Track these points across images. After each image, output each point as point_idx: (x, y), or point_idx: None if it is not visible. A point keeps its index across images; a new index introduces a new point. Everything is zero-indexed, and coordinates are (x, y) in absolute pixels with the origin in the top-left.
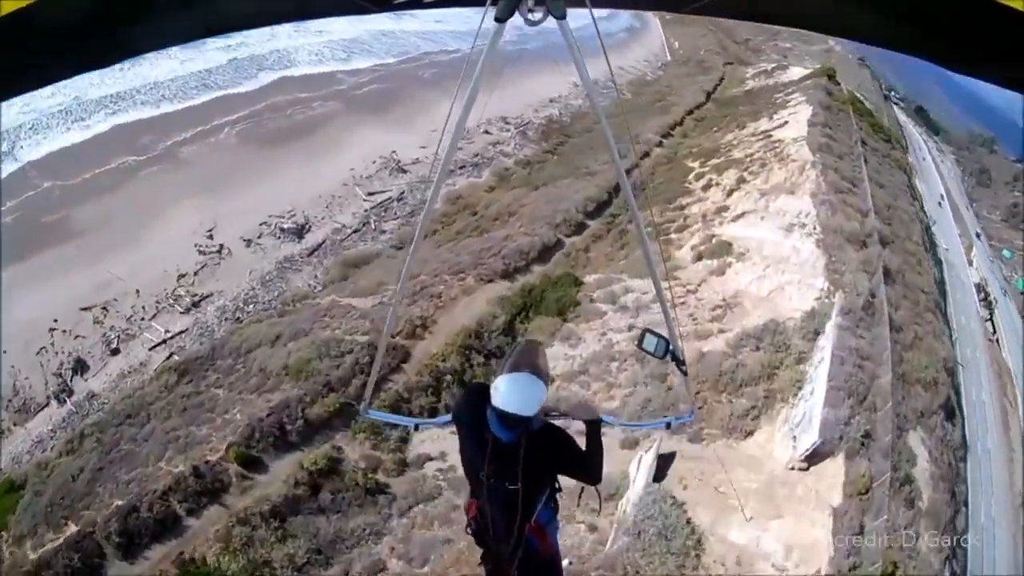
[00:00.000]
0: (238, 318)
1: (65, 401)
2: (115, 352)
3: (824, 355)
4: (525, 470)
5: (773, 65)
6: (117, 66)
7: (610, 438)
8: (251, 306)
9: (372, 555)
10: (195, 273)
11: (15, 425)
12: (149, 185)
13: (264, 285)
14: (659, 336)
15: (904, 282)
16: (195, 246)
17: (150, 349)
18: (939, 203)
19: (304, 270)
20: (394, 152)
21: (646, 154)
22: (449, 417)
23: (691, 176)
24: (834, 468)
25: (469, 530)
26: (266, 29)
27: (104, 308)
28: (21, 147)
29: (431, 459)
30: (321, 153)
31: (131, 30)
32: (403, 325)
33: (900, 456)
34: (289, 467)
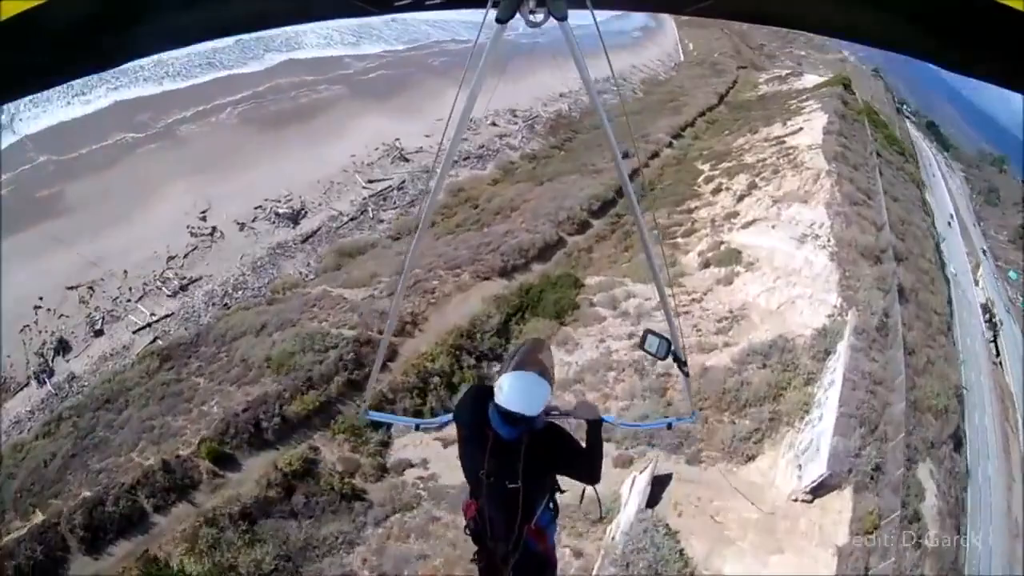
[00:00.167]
0: (226, 304)
1: (45, 382)
2: (99, 334)
3: (835, 378)
4: (526, 469)
5: (787, 71)
6: None
7: (604, 459)
8: (240, 292)
9: (343, 566)
10: (185, 256)
11: None
12: (145, 163)
13: (255, 271)
14: (661, 337)
15: (917, 301)
16: (187, 227)
17: (134, 332)
18: (948, 223)
19: (297, 257)
20: (397, 140)
21: (655, 154)
22: (450, 417)
23: (700, 179)
24: (840, 502)
25: (467, 531)
26: None
27: (91, 288)
28: (20, 120)
29: (412, 466)
30: (323, 137)
31: (134, 32)
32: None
33: (909, 490)
34: (263, 466)
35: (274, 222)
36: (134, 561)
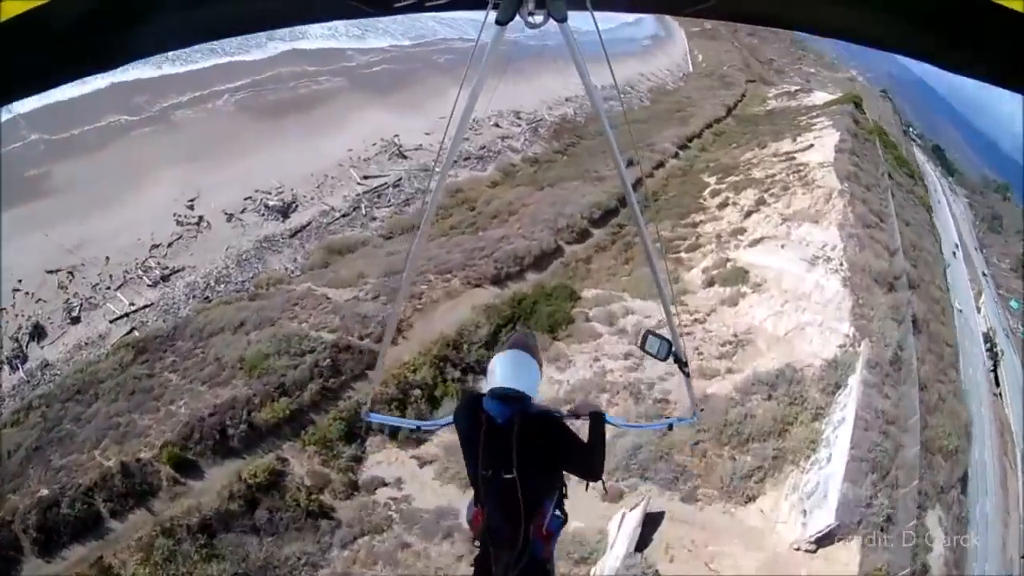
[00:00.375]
0: (207, 297)
1: (18, 368)
2: (75, 321)
3: (846, 416)
4: (520, 453)
5: (796, 87)
6: None
7: (592, 491)
8: (222, 286)
9: None
10: (169, 245)
11: None
12: (137, 147)
13: (239, 264)
14: (661, 338)
15: (929, 333)
16: (174, 215)
17: (111, 321)
18: (953, 252)
19: (284, 252)
20: (397, 136)
21: (660, 164)
22: (451, 419)
23: (706, 192)
24: (847, 555)
25: (476, 543)
26: None
27: (70, 273)
28: None
29: (385, 485)
30: (320, 130)
31: (132, 34)
32: (374, 326)
33: (918, 542)
34: (226, 476)
35: (263, 214)
36: (87, 567)
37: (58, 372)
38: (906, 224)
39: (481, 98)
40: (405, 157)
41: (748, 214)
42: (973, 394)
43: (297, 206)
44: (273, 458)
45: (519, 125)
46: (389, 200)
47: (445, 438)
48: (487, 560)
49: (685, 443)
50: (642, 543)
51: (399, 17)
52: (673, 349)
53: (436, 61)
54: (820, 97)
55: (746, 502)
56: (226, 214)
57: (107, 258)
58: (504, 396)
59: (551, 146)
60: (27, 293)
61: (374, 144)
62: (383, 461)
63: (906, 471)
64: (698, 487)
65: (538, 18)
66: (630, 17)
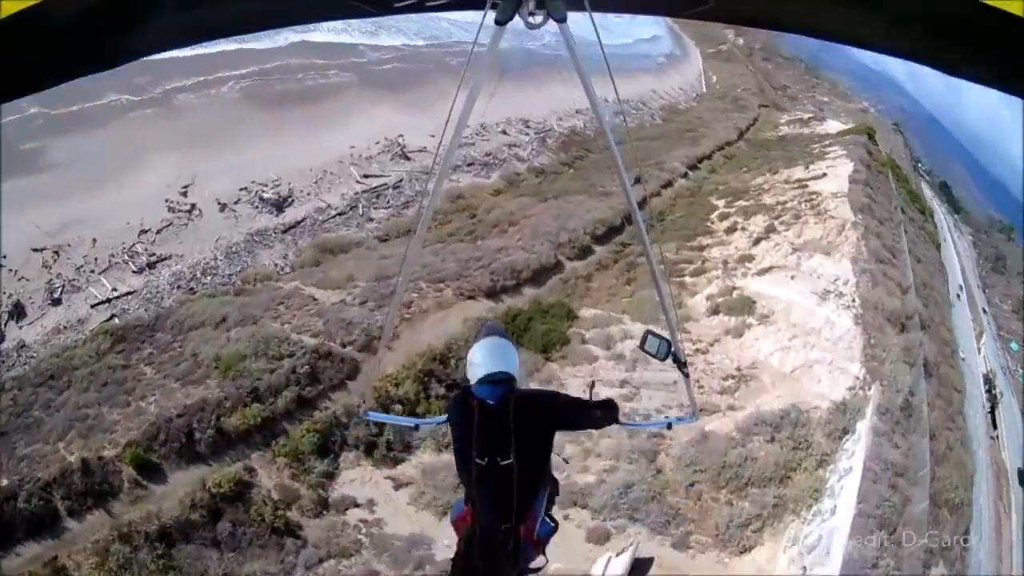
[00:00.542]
0: (191, 288)
1: None
2: (56, 303)
3: (853, 465)
4: (518, 432)
5: (809, 115)
6: None
7: (576, 530)
8: (209, 277)
9: None
10: (158, 231)
11: None
12: (136, 127)
13: (228, 256)
14: (661, 338)
15: (939, 376)
16: (166, 201)
17: (92, 306)
18: (957, 295)
19: (275, 247)
20: (401, 136)
21: (669, 183)
22: (447, 417)
23: (714, 215)
24: None
25: (461, 545)
26: None
27: (56, 252)
28: None
29: (357, 505)
30: (324, 124)
31: (133, 33)
32: (358, 333)
33: None
34: (190, 483)
35: (257, 206)
36: (40, 566)
37: (34, 354)
38: (917, 261)
39: (481, 100)
40: (408, 158)
41: (757, 241)
42: (973, 438)
43: (293, 201)
44: (240, 467)
45: (527, 134)
46: (388, 201)
47: (424, 460)
48: (469, 561)
49: (680, 483)
50: None
51: (413, 17)
52: (672, 349)
53: (448, 63)
54: (833, 126)
55: (742, 552)
56: (219, 204)
57: (94, 240)
58: (493, 380)
59: (558, 157)
60: (11, 270)
61: (377, 143)
62: (356, 480)
63: (913, 527)
64: (691, 533)
65: (537, 18)
66: (646, 34)
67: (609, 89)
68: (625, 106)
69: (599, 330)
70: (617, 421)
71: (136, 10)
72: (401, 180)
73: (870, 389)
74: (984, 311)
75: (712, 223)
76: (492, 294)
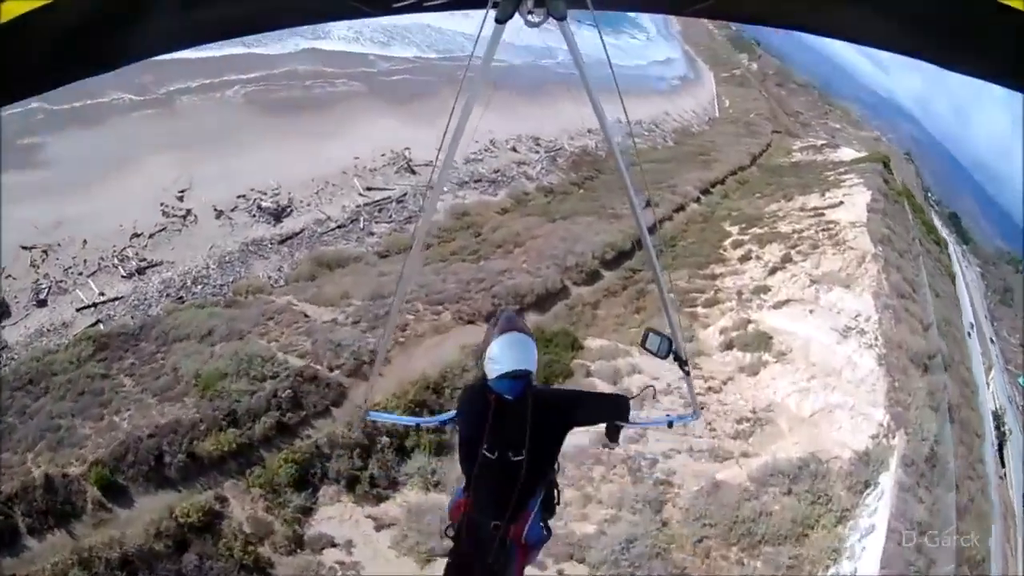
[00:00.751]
0: (180, 297)
1: None
2: (42, 304)
3: (876, 523)
4: (534, 426)
5: (823, 142)
6: None
7: None
8: (199, 287)
9: None
10: (151, 235)
11: None
12: (136, 128)
13: (221, 266)
14: (662, 335)
15: (960, 420)
16: (161, 205)
17: (78, 310)
18: (968, 333)
19: (271, 258)
20: (407, 149)
21: (681, 207)
22: (453, 414)
23: (727, 242)
24: None
25: (449, 532)
26: None
27: (45, 251)
28: None
29: (334, 545)
30: (329, 133)
31: (132, 35)
32: (347, 356)
33: None
34: (157, 509)
35: (255, 215)
36: None
37: (15, 356)
38: (936, 295)
39: (480, 98)
40: (414, 172)
41: (773, 271)
42: (991, 483)
43: (292, 211)
44: (211, 496)
45: (537, 152)
46: (390, 216)
47: (410, 499)
48: (460, 550)
49: (688, 539)
50: None
51: (428, 28)
52: (673, 347)
53: (459, 76)
54: (847, 153)
55: None
56: (216, 210)
57: (84, 241)
58: (513, 376)
59: (568, 177)
60: None
61: (383, 155)
62: (335, 517)
63: None
64: None
65: (537, 17)
66: (661, 56)
67: (616, 96)
68: (638, 127)
69: (605, 362)
70: (627, 420)
71: (136, 12)
72: (405, 194)
73: (894, 437)
74: (992, 341)
75: (725, 250)
76: (490, 318)
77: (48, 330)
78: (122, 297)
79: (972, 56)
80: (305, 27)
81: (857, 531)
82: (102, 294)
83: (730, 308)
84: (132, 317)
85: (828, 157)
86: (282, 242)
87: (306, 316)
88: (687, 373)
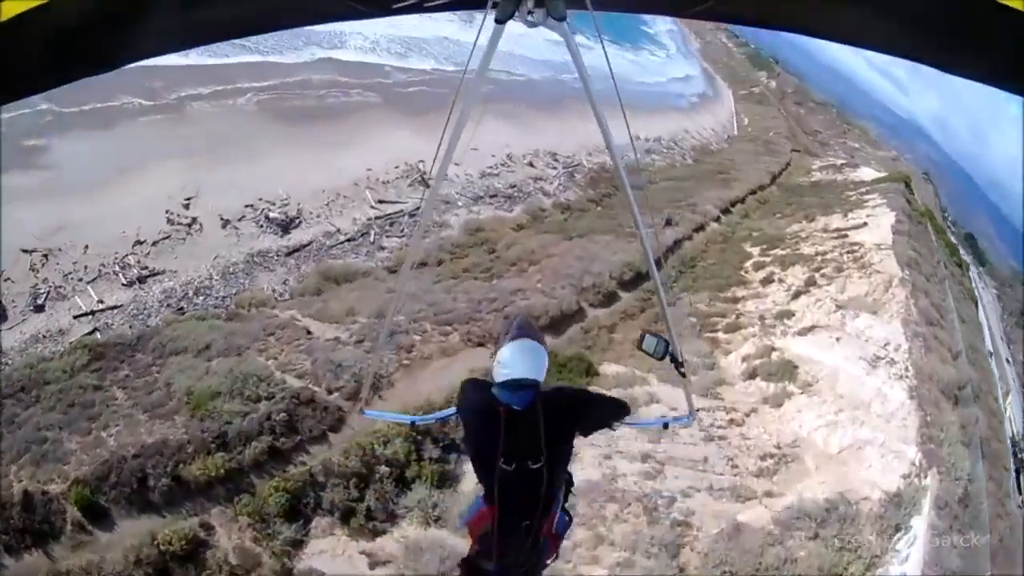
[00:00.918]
0: (181, 308)
1: None
2: (39, 309)
3: (907, 572)
4: (548, 436)
5: (842, 161)
6: None
7: None
8: (201, 298)
9: None
10: (154, 243)
11: None
12: (144, 132)
13: (224, 277)
14: (659, 337)
15: (990, 455)
16: (166, 212)
17: (75, 317)
18: (988, 356)
19: (276, 271)
20: (421, 162)
21: (701, 226)
22: (451, 412)
23: (749, 264)
24: None
25: (476, 549)
26: None
27: (45, 256)
28: None
29: None
30: (342, 144)
31: (132, 34)
32: (347, 379)
33: None
34: (139, 534)
35: (262, 225)
36: None
37: (8, 362)
38: (962, 321)
39: (478, 98)
40: (427, 185)
41: (796, 295)
42: (1018, 522)
43: (300, 222)
44: (196, 523)
45: (554, 167)
46: (402, 230)
47: (409, 534)
48: (483, 561)
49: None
50: None
51: (446, 40)
52: (670, 349)
53: (476, 88)
54: (867, 173)
55: None
56: (222, 219)
57: (86, 247)
58: (520, 385)
59: (585, 194)
60: None
61: (396, 167)
62: (327, 551)
63: None
64: None
65: (537, 17)
66: (680, 73)
67: (631, 110)
68: (657, 144)
69: (622, 391)
70: (623, 421)
71: (136, 12)
72: (418, 208)
73: (926, 477)
74: (1008, 362)
75: (747, 272)
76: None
77: (44, 336)
78: (121, 306)
79: (972, 58)
80: (321, 35)
81: None
82: (101, 301)
83: (752, 334)
84: (130, 327)
85: (848, 177)
86: (289, 254)
87: (308, 333)
88: (683, 375)
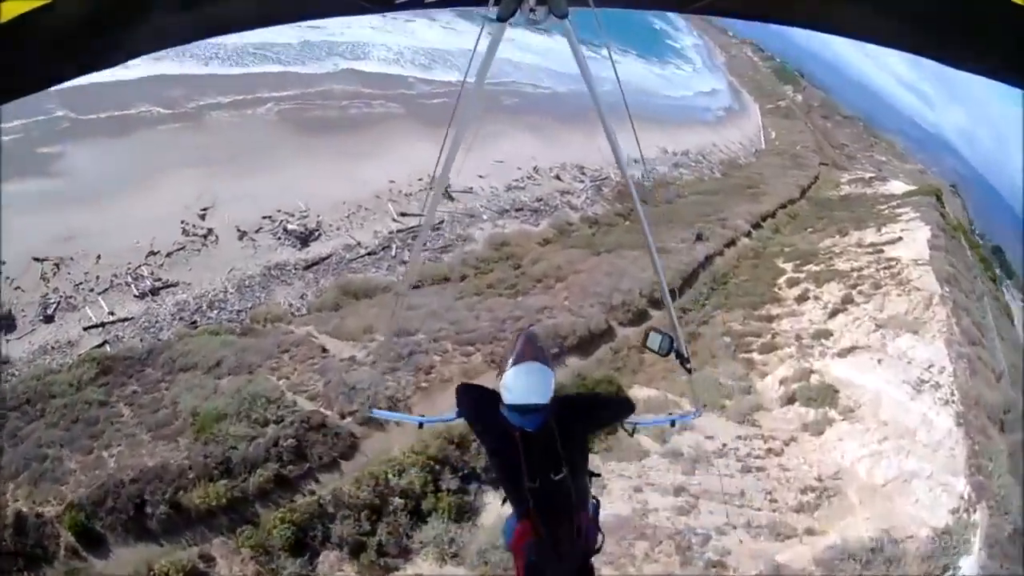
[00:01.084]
0: (194, 322)
1: None
2: (48, 319)
3: None
4: (565, 448)
5: (871, 175)
6: None
7: None
8: (215, 312)
9: None
10: (168, 254)
11: None
12: (161, 141)
13: (240, 290)
14: (664, 334)
15: None
16: (181, 223)
17: (85, 328)
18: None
19: (293, 284)
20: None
21: (732, 242)
22: (454, 415)
23: (782, 280)
24: None
25: (522, 560)
26: (346, 19)
27: (57, 265)
28: None
29: None
30: (364, 155)
31: (131, 32)
32: (359, 403)
33: None
34: (135, 562)
35: (280, 237)
36: None
37: (15, 372)
38: (1001, 339)
39: (476, 97)
40: (451, 199)
41: (834, 313)
42: None
43: (320, 235)
44: (196, 554)
45: (582, 181)
46: (424, 244)
47: (424, 571)
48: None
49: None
50: None
51: (471, 52)
52: (675, 345)
53: (503, 103)
54: (897, 186)
55: None
56: (239, 231)
57: (98, 256)
58: (530, 410)
59: (613, 208)
60: (8, 278)
61: (420, 179)
62: None
63: None
64: None
65: (538, 15)
66: (706, 87)
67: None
68: (685, 158)
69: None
70: (629, 420)
71: (135, 10)
72: (442, 222)
73: (975, 512)
74: None
75: (780, 289)
76: None
77: (53, 348)
78: (132, 318)
79: (973, 53)
80: (344, 46)
81: None
82: (112, 313)
83: (789, 355)
84: (141, 340)
85: (878, 190)
86: (307, 268)
87: (324, 351)
88: (689, 371)
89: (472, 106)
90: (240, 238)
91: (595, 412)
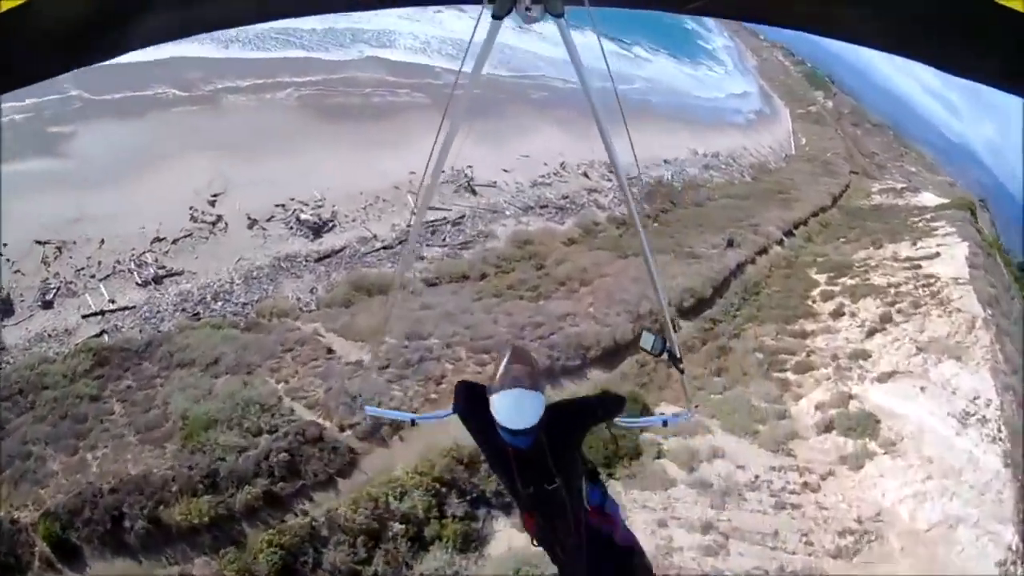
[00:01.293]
0: (197, 313)
1: None
2: (47, 305)
3: None
4: (556, 461)
5: (902, 185)
6: None
7: None
8: (219, 303)
9: None
10: (174, 241)
11: None
12: (175, 123)
13: (247, 281)
14: (656, 334)
15: None
16: (190, 209)
17: (84, 316)
18: None
19: (304, 277)
20: (470, 167)
21: (763, 250)
22: (449, 412)
23: (816, 292)
24: None
25: (535, 543)
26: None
27: (59, 248)
28: None
29: None
30: (385, 144)
31: (125, 26)
32: (364, 415)
33: None
34: None
35: (292, 227)
36: None
37: (10, 360)
38: None
39: (475, 97)
40: (474, 192)
41: (871, 332)
42: None
43: (334, 226)
44: (176, 573)
45: (610, 180)
46: (444, 239)
47: None
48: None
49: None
50: None
51: (500, 45)
52: (668, 345)
53: (530, 97)
54: (928, 199)
55: None
56: (249, 219)
57: (102, 241)
58: (519, 433)
59: (642, 209)
60: (8, 260)
61: (442, 172)
62: None
63: None
64: None
65: (534, 13)
66: (738, 89)
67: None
68: (715, 160)
69: (680, 440)
70: (621, 420)
71: (128, 6)
72: (463, 216)
73: (1021, 566)
74: None
75: (814, 303)
76: (549, 374)
77: (50, 335)
78: (133, 307)
79: (971, 58)
80: (369, 34)
81: None
82: (112, 301)
83: (826, 376)
84: (141, 331)
85: (910, 201)
86: (319, 260)
87: (329, 352)
88: (681, 371)
89: (463, 105)
90: (250, 227)
91: (586, 414)
